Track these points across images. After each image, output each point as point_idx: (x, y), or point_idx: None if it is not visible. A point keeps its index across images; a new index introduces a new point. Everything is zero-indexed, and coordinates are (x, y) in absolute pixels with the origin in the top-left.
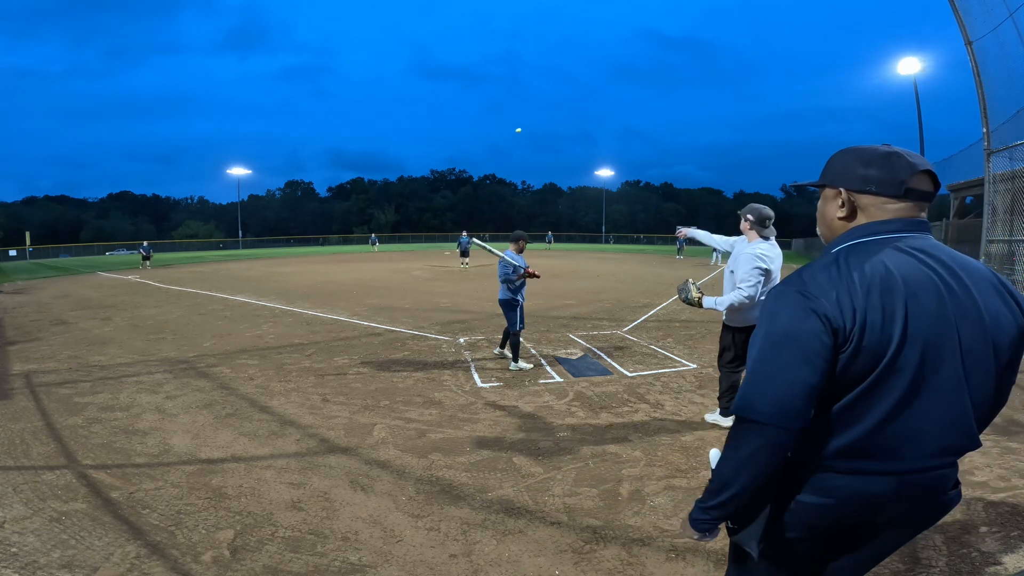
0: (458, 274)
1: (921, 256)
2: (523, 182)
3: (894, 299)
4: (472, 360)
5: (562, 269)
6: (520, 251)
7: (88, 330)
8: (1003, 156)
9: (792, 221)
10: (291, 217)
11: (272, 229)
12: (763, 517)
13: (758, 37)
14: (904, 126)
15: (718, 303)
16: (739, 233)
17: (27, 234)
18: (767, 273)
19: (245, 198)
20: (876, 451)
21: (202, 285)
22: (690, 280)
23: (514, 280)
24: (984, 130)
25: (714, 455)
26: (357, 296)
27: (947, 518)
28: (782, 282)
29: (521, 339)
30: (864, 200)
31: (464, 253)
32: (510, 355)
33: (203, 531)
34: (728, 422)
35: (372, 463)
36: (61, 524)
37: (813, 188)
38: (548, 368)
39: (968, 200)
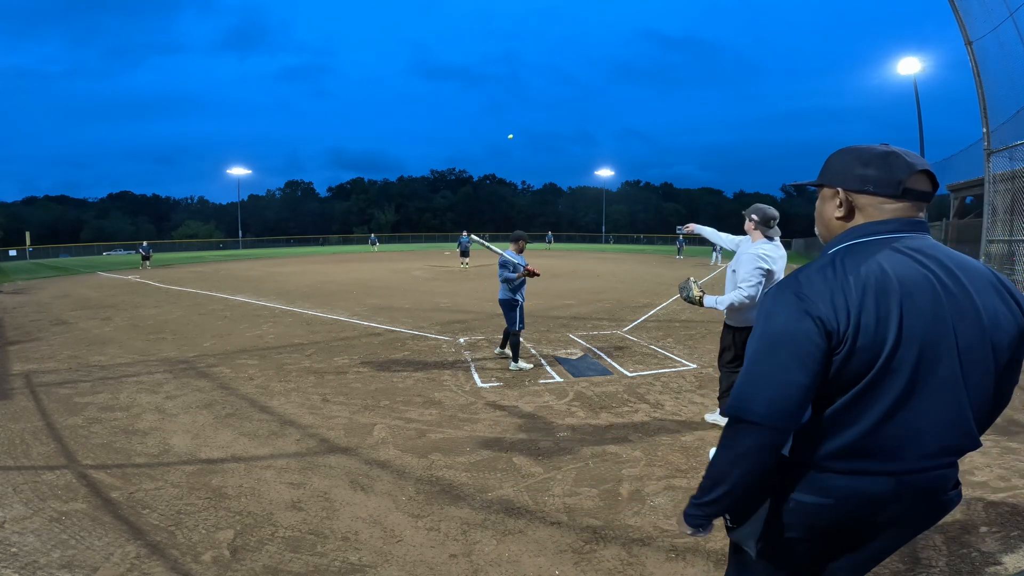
0: (458, 274)
1: (918, 256)
2: (523, 182)
3: (889, 300)
4: (472, 360)
5: (562, 269)
6: (520, 251)
7: (88, 330)
8: (1003, 156)
9: (792, 221)
10: (291, 217)
11: (272, 229)
12: (761, 516)
13: (758, 37)
14: (904, 126)
15: (718, 302)
16: (742, 232)
17: (27, 234)
18: (769, 273)
19: (245, 198)
20: (875, 451)
21: (202, 285)
22: (691, 279)
23: (514, 279)
24: (984, 130)
25: (713, 455)
26: (357, 296)
27: (947, 518)
28: (778, 283)
29: (521, 339)
30: (862, 200)
31: (464, 253)
32: (510, 355)
33: (203, 531)
34: None
35: (372, 463)
36: (61, 524)
37: (812, 188)
38: (548, 368)
39: (968, 200)
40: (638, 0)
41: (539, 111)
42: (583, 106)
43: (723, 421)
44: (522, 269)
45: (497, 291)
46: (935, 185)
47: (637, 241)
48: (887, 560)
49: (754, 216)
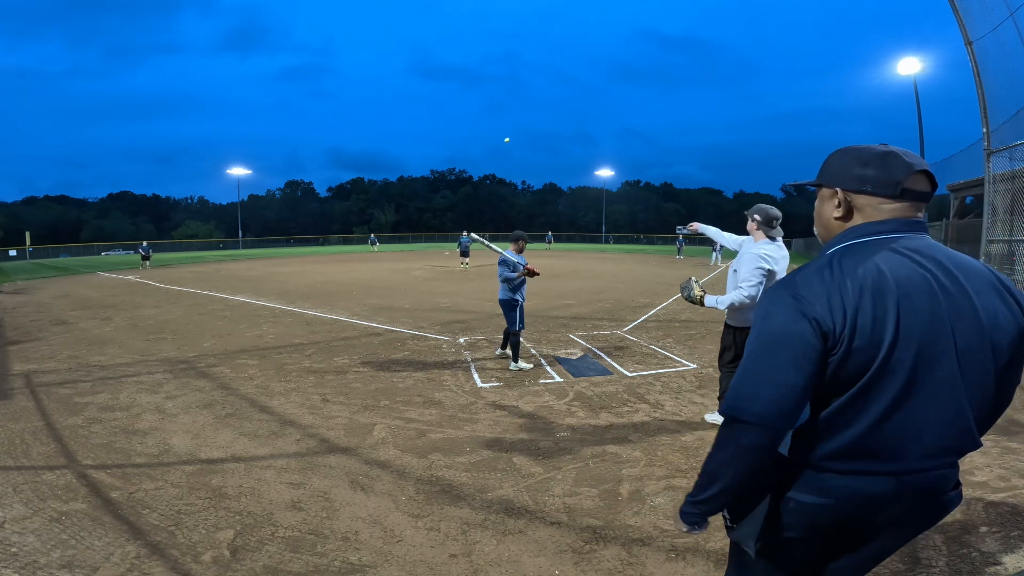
0: (458, 274)
1: (916, 257)
2: (523, 182)
3: (886, 301)
4: (472, 360)
5: (562, 269)
6: (520, 251)
7: (88, 330)
8: (1003, 156)
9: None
10: (291, 217)
11: (272, 229)
12: (760, 515)
13: (758, 37)
14: (904, 126)
15: (719, 302)
16: (745, 232)
17: (27, 234)
18: (770, 274)
19: (245, 198)
20: (874, 452)
21: (202, 285)
22: (693, 278)
23: (514, 279)
24: (984, 130)
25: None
26: (357, 296)
27: (947, 518)
28: (776, 283)
29: (521, 339)
30: (860, 200)
31: (464, 253)
32: (511, 355)
33: (203, 531)
34: None
35: (372, 463)
36: (61, 524)
37: (811, 188)
38: (548, 368)
39: (968, 200)
40: (638, 0)
41: (539, 111)
42: (583, 106)
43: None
44: (522, 268)
45: (497, 291)
46: (934, 185)
47: (637, 241)
48: (887, 560)
49: (756, 216)
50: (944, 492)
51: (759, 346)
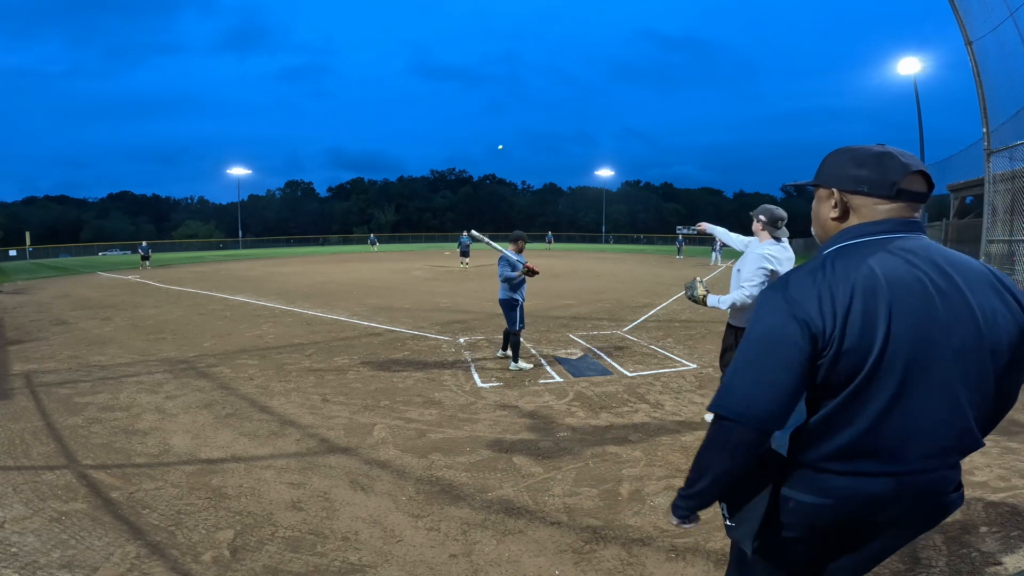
0: (458, 274)
1: (910, 258)
2: (523, 182)
3: (877, 302)
4: (472, 360)
5: (562, 269)
6: (519, 251)
7: (88, 330)
8: (1003, 156)
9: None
10: (291, 217)
11: (272, 229)
12: (758, 515)
13: (758, 37)
14: (904, 126)
15: (721, 301)
16: (751, 233)
17: (27, 234)
18: (773, 274)
19: (245, 198)
20: (873, 452)
21: (202, 285)
22: (697, 278)
23: (514, 278)
24: (984, 130)
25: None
26: (357, 296)
27: (947, 518)
28: (771, 284)
29: (521, 339)
30: (856, 201)
31: (464, 253)
32: (511, 355)
33: (203, 531)
34: None
35: (372, 463)
36: (61, 524)
37: (809, 188)
38: (548, 368)
39: (968, 200)
40: (638, 0)
41: (539, 111)
42: (583, 106)
43: None
44: (522, 267)
45: (497, 291)
46: (930, 186)
47: (637, 241)
48: (887, 560)
49: (762, 217)
50: (945, 493)
51: (750, 346)
